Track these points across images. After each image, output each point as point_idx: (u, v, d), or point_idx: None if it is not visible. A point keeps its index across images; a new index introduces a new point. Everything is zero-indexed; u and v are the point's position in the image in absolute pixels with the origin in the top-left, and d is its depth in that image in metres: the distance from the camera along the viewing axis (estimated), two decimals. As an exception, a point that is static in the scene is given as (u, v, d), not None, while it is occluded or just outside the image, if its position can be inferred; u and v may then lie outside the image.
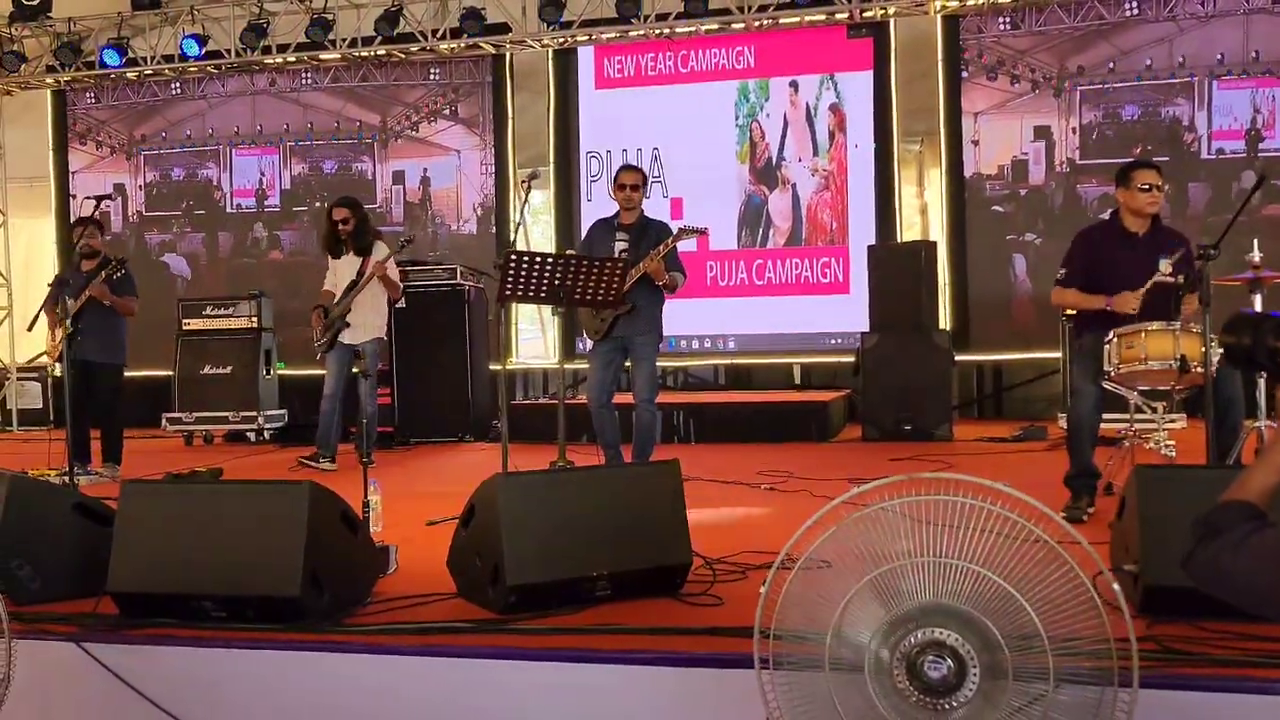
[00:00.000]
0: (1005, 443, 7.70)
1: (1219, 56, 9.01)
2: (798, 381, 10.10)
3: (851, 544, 2.13)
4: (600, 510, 3.34)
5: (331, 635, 3.11)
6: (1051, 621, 1.98)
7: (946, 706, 2.01)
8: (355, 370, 5.38)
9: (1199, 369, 4.15)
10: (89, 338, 6.35)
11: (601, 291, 4.66)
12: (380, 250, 7.03)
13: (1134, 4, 9.16)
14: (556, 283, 4.57)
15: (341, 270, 7.08)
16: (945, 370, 8.15)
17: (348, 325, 6.94)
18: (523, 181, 5.31)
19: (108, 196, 5.86)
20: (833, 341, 9.79)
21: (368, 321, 7.00)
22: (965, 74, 9.55)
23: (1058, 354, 8.71)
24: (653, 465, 3.51)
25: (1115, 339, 4.33)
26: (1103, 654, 1.96)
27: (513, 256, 4.59)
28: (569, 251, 5.09)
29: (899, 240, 9.53)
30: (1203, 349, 4.17)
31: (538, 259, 4.60)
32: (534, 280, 4.58)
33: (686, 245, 5.80)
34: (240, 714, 3.07)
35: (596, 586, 3.29)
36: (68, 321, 5.80)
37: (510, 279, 4.57)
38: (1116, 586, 1.99)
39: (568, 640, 3.00)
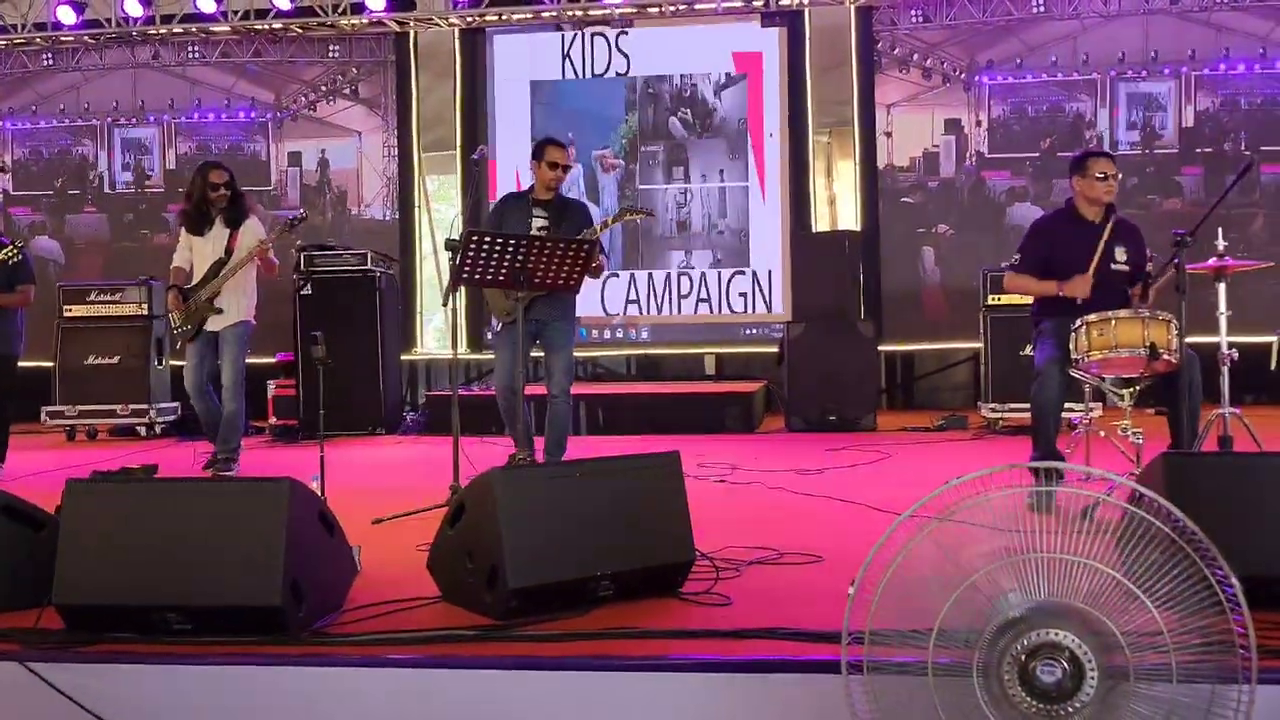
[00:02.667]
0: (929, 431, 7.76)
1: (1120, 55, 9.27)
2: (710, 372, 10.02)
3: (949, 541, 1.99)
4: (601, 506, 3.14)
5: (318, 647, 2.83)
6: (1172, 618, 1.87)
7: (1062, 713, 1.89)
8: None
9: (1167, 356, 4.18)
10: None
11: (564, 274, 4.43)
12: (256, 226, 6.29)
13: (1041, 1, 9.35)
14: (518, 265, 4.32)
15: (203, 246, 6.22)
16: (870, 360, 8.18)
17: (219, 310, 6.13)
18: (473, 159, 5.03)
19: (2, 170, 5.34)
20: (748, 332, 9.75)
21: (238, 303, 6.19)
22: (878, 66, 9.61)
23: (966, 344, 8.89)
24: (654, 458, 3.32)
25: (1084, 325, 4.33)
26: (1225, 650, 1.86)
27: (473, 236, 4.31)
28: (536, 232, 4.76)
29: (811, 230, 9.54)
30: (1169, 336, 4.21)
31: (499, 239, 4.33)
32: (493, 262, 4.32)
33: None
34: (217, 738, 2.76)
35: (599, 587, 3.09)
36: None
37: (469, 260, 4.30)
38: (1235, 580, 1.89)
39: (582, 647, 2.79)
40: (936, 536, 2.00)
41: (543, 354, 5.45)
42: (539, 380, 5.78)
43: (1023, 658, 1.91)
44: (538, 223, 5.33)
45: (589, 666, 2.71)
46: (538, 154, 5.39)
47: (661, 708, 2.65)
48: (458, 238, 4.40)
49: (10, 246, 6.03)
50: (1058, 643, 1.89)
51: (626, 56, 9.85)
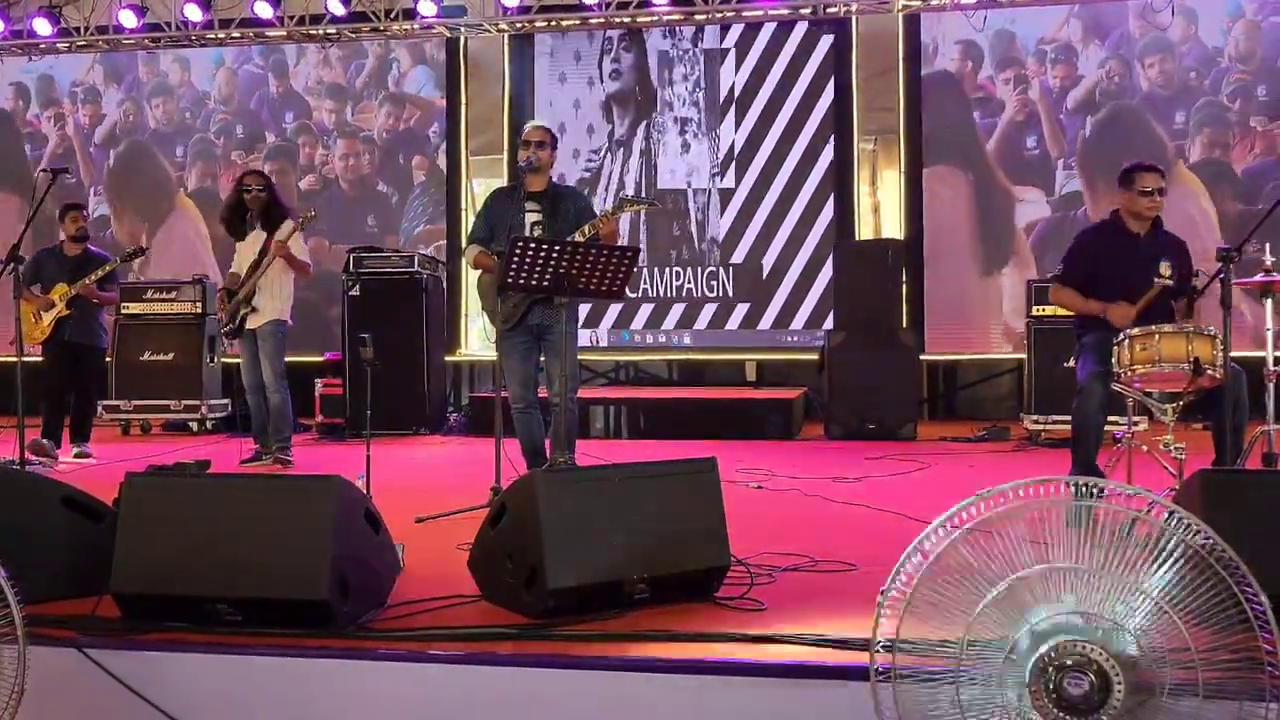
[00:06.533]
0: (970, 442, 7.74)
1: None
2: (751, 379, 10.04)
3: (981, 550, 2.02)
4: (640, 510, 3.20)
5: (362, 641, 2.92)
6: (1200, 635, 1.90)
7: (1088, 724, 1.92)
8: (365, 358, 5.02)
9: (1211, 371, 4.16)
10: (77, 321, 6.46)
11: (607, 281, 4.48)
12: (286, 227, 6.43)
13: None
14: (562, 271, 4.38)
15: (245, 249, 6.56)
16: (911, 369, 8.17)
17: (254, 310, 6.41)
18: (520, 166, 5.09)
19: (64, 171, 5.54)
20: (788, 339, 9.76)
21: (271, 303, 6.44)
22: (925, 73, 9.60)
23: (1009, 355, 8.87)
24: (692, 463, 3.37)
25: (1127, 340, 4.31)
26: (1253, 667, 1.88)
27: (519, 242, 4.39)
28: (579, 237, 4.78)
29: (855, 239, 9.53)
30: (1214, 351, 4.19)
31: (544, 246, 4.40)
32: (539, 268, 4.39)
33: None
34: (264, 727, 2.85)
35: (636, 590, 3.15)
36: (61, 305, 5.82)
37: (514, 265, 4.37)
38: (1264, 598, 1.91)
39: (617, 648, 2.85)
40: (967, 547, 2.04)
41: (545, 358, 5.26)
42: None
43: (1050, 670, 1.94)
44: (531, 216, 5.15)
45: (624, 667, 2.77)
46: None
47: (693, 709, 2.70)
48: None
49: (114, 260, 6.65)
50: (1086, 656, 1.92)
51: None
